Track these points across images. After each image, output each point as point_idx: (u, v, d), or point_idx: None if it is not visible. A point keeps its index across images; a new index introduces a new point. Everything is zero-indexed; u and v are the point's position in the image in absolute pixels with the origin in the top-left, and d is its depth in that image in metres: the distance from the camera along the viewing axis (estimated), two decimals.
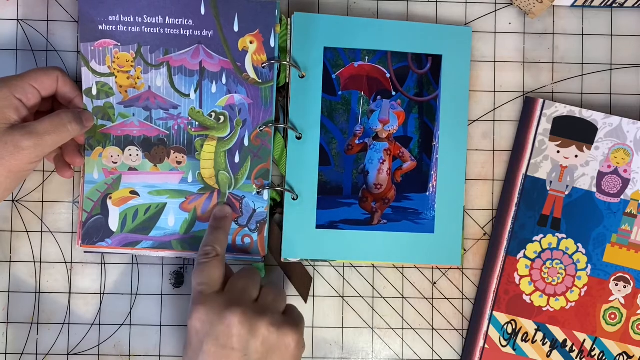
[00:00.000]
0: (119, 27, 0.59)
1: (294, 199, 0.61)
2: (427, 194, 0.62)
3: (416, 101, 0.63)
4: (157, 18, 0.59)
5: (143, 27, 0.59)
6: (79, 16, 0.60)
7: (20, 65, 0.63)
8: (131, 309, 0.63)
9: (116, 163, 0.60)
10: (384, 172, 0.62)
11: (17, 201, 0.63)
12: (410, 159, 0.63)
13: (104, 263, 0.63)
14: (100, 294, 0.63)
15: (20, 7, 0.64)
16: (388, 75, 0.62)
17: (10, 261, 0.63)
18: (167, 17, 0.59)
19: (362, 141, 0.62)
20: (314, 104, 0.61)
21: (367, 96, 0.62)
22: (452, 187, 0.62)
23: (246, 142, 0.60)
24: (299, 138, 0.61)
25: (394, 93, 0.62)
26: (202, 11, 0.60)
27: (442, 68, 0.62)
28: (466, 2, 0.65)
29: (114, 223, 0.60)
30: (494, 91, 0.64)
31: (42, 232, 0.63)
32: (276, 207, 0.62)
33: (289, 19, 0.61)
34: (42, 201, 0.63)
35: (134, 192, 0.60)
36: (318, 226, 0.61)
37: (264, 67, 0.60)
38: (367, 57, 0.62)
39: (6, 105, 0.54)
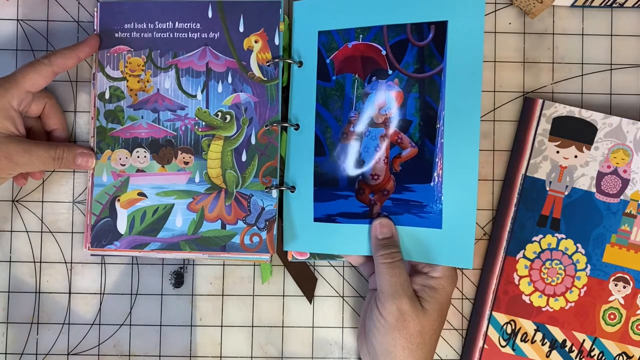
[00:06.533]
0: (132, 33, 0.61)
1: (291, 192, 0.60)
2: (432, 184, 0.56)
3: (416, 78, 0.56)
4: (167, 23, 0.61)
5: (154, 33, 0.61)
6: (99, 25, 0.61)
7: (20, 66, 0.63)
8: (131, 309, 0.63)
9: (124, 165, 0.61)
10: (380, 161, 0.58)
11: (17, 201, 0.63)
12: (410, 145, 0.57)
13: (104, 263, 0.63)
14: (100, 294, 0.63)
15: (20, 7, 0.64)
16: (384, 53, 0.57)
17: (10, 261, 0.63)
18: (177, 22, 0.61)
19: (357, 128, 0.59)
20: (309, 93, 0.59)
21: (362, 78, 0.58)
22: (462, 175, 0.54)
23: (253, 141, 0.61)
24: (296, 129, 0.60)
25: (390, 72, 0.57)
26: (210, 15, 0.61)
27: (448, 36, 0.55)
28: None
29: (122, 225, 0.60)
30: (494, 91, 0.64)
31: (42, 232, 0.63)
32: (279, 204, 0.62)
33: (286, 16, 0.61)
34: (42, 201, 0.63)
35: (141, 194, 0.60)
36: (316, 219, 0.59)
37: (268, 65, 0.60)
38: (361, 36, 0.58)
39: (5, 116, 0.56)
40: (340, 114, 0.59)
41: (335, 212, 0.59)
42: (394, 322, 0.54)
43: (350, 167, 0.59)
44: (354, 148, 0.59)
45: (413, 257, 0.57)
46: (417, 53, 0.57)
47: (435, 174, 0.56)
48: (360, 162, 0.58)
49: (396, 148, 0.58)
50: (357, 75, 0.58)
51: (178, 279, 0.63)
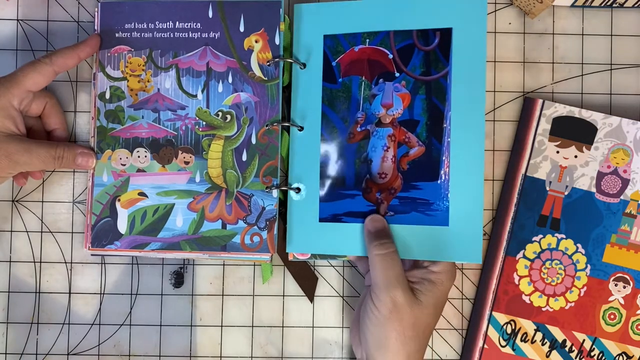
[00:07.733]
0: (133, 33, 0.61)
1: (296, 193, 0.61)
2: (439, 182, 0.57)
3: (423, 81, 0.58)
4: (167, 23, 0.61)
5: (155, 33, 0.61)
6: (100, 25, 0.61)
7: (20, 66, 0.63)
8: (131, 309, 0.63)
9: (125, 165, 0.61)
10: (388, 160, 0.58)
11: (17, 201, 0.63)
12: (418, 144, 0.58)
13: (104, 263, 0.63)
14: (100, 294, 0.63)
15: (20, 7, 0.64)
16: (391, 56, 0.59)
17: (10, 261, 0.63)
18: (177, 22, 0.61)
19: (364, 128, 0.59)
20: (315, 94, 0.60)
21: (369, 80, 0.59)
22: (468, 172, 0.56)
23: (253, 140, 0.61)
24: (300, 130, 0.61)
25: (397, 74, 0.59)
26: (210, 14, 0.61)
27: (453, 41, 0.57)
28: None
29: (122, 225, 0.60)
30: (494, 91, 0.64)
31: (42, 232, 0.63)
32: (281, 205, 0.62)
33: (287, 16, 0.61)
34: (42, 201, 0.63)
35: (142, 194, 0.61)
36: (321, 219, 0.59)
37: (269, 65, 0.61)
38: (367, 40, 0.59)
39: (5, 115, 0.56)
40: (347, 115, 0.60)
41: (341, 212, 0.59)
42: (388, 314, 0.54)
43: (357, 167, 0.59)
44: (361, 148, 0.59)
45: (420, 256, 0.57)
46: (424, 57, 0.58)
47: (442, 172, 0.57)
48: (367, 161, 0.59)
49: (404, 147, 0.59)
50: (363, 78, 0.59)
51: (178, 279, 0.63)
